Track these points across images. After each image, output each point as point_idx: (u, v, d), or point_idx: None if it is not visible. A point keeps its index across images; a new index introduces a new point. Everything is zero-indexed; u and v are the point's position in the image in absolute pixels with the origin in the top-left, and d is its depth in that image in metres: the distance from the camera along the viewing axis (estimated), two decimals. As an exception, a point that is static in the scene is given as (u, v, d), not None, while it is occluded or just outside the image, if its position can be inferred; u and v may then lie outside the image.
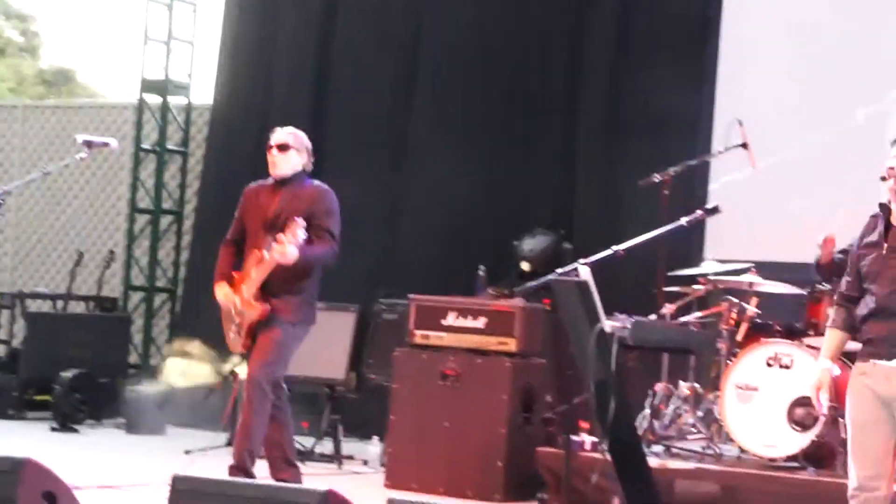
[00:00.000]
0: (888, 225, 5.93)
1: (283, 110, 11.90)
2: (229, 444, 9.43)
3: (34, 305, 13.17)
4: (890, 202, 5.93)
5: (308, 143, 8.03)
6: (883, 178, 5.98)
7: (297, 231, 7.43)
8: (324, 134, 11.46)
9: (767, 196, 10.23)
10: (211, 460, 9.19)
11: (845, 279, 6.14)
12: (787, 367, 8.29)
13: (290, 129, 8.07)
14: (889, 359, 5.84)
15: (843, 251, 8.34)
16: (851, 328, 6.10)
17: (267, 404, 7.77)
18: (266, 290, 7.74)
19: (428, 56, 12.12)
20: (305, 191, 7.87)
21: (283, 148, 7.92)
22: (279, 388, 7.86)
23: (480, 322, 8.99)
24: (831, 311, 6.34)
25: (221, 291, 7.93)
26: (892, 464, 5.90)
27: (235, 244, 8.04)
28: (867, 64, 10.51)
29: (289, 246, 7.44)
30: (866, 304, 5.94)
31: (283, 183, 7.89)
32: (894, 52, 10.32)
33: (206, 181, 13.02)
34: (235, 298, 7.84)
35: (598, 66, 11.53)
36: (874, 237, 5.96)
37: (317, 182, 7.97)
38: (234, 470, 7.72)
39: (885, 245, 5.89)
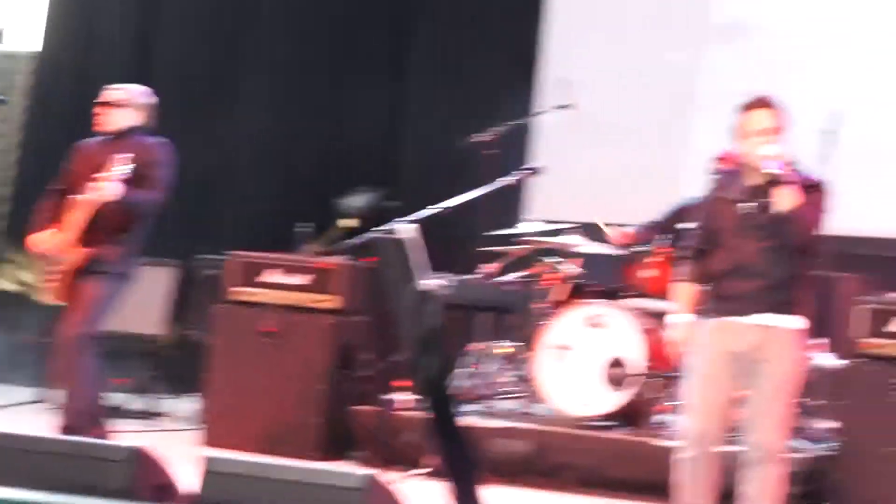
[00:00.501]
0: (747, 185, 6.05)
1: (107, 62, 11.75)
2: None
3: None
4: (748, 162, 6.05)
5: (144, 100, 8.00)
6: (738, 138, 6.07)
7: (116, 167, 7.38)
8: (149, 85, 11.30)
9: (592, 157, 10.37)
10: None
11: (697, 233, 6.23)
12: (602, 327, 8.38)
13: (124, 86, 8.05)
14: (746, 315, 6.00)
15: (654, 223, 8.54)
16: (702, 280, 6.21)
17: (90, 359, 7.71)
18: (89, 239, 7.65)
19: (257, 5, 12.03)
20: (139, 145, 7.81)
21: (108, 104, 7.90)
22: (95, 341, 7.75)
23: (301, 279, 8.90)
24: (681, 265, 6.43)
25: (39, 238, 7.80)
26: (728, 416, 6.08)
27: (60, 196, 7.90)
28: (680, 26, 10.72)
29: (107, 184, 7.40)
30: (722, 260, 6.08)
31: (117, 138, 7.84)
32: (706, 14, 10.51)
33: (29, 132, 12.64)
34: (55, 242, 7.71)
35: (427, 24, 11.59)
36: (731, 194, 6.09)
37: (154, 138, 7.93)
38: (67, 430, 7.58)
39: (745, 204, 6.02)
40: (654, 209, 8.92)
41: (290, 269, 8.94)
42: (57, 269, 7.72)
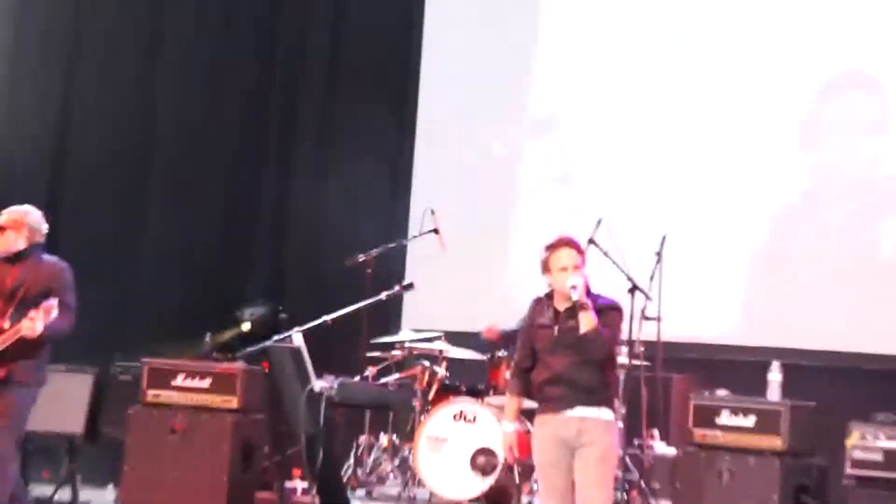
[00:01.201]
0: (556, 310, 6.43)
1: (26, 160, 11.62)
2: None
3: None
4: (554, 292, 6.45)
5: (32, 221, 7.60)
6: (546, 272, 6.44)
7: (52, 312, 7.20)
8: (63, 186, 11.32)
9: (456, 273, 10.53)
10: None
11: (518, 353, 6.61)
12: (471, 422, 8.49)
13: (11, 210, 7.68)
14: (564, 410, 6.34)
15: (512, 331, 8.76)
16: (526, 393, 6.60)
17: (13, 465, 7.54)
18: (4, 358, 7.40)
19: (153, 119, 12.04)
20: (43, 267, 7.54)
21: (2, 228, 7.56)
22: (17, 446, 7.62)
23: (206, 382, 8.89)
24: (509, 380, 6.84)
25: None
26: (572, 497, 6.32)
27: None
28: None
29: (38, 322, 7.18)
30: (542, 373, 6.44)
31: (17, 258, 7.55)
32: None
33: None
34: None
35: (306, 160, 11.79)
36: (545, 320, 6.46)
37: (54, 258, 7.65)
38: None
39: (556, 327, 6.39)
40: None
41: (198, 374, 8.91)
42: None
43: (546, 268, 6.46)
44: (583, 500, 6.31)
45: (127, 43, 12.16)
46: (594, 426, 6.34)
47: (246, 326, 10.74)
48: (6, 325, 7.37)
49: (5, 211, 7.63)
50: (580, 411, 6.34)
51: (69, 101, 12.10)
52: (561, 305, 6.44)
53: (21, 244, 7.53)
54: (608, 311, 6.43)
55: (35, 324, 7.20)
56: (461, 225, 10.22)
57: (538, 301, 6.56)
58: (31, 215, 7.63)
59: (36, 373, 7.58)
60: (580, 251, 6.48)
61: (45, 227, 7.65)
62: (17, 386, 7.47)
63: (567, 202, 10.59)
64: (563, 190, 10.80)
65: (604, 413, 6.39)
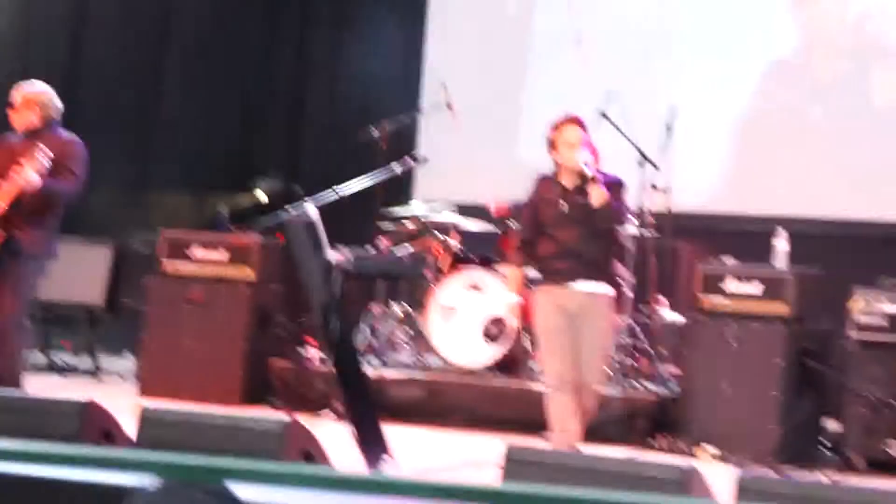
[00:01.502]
0: (563, 187, 6.52)
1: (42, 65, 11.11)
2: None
3: None
4: (560, 168, 6.54)
5: (45, 99, 7.58)
6: (552, 149, 6.50)
7: (38, 155, 7.13)
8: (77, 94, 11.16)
9: (467, 147, 10.40)
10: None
11: (524, 227, 6.76)
12: (480, 291, 8.47)
13: (23, 85, 7.65)
14: (570, 281, 6.47)
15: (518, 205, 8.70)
16: (529, 264, 6.74)
17: (26, 335, 7.59)
18: (10, 223, 7.34)
19: (177, 32, 11.80)
20: (54, 139, 7.48)
21: (11, 106, 7.57)
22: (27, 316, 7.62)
23: (222, 254, 8.91)
24: (514, 252, 6.94)
25: None
26: (572, 358, 6.46)
27: None
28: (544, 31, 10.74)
29: (29, 170, 7.11)
30: (549, 246, 6.54)
31: (33, 134, 7.50)
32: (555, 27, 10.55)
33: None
34: None
35: (321, 39, 11.56)
36: (552, 196, 6.53)
37: (67, 133, 7.61)
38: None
39: (565, 203, 6.48)
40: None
41: (213, 245, 8.93)
42: None
43: (553, 146, 6.52)
44: (585, 369, 6.48)
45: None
46: (596, 301, 6.50)
47: (261, 195, 10.71)
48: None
49: (19, 90, 7.62)
50: (584, 285, 6.48)
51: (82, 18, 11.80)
52: (568, 181, 6.51)
53: (35, 121, 7.52)
54: (615, 187, 6.53)
55: (26, 172, 7.13)
56: (473, 97, 10.04)
57: (543, 178, 6.64)
58: (44, 94, 7.63)
59: (45, 244, 7.51)
60: (584, 128, 6.54)
61: (58, 104, 7.62)
62: (26, 258, 7.42)
63: (578, 72, 10.37)
64: (575, 59, 10.55)
65: (606, 288, 6.54)
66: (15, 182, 7.20)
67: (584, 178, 6.41)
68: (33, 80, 7.74)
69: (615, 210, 6.45)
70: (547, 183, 6.59)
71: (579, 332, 6.48)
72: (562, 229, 6.49)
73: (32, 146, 7.34)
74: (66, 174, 7.39)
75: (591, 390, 6.56)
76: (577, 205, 6.42)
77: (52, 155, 7.19)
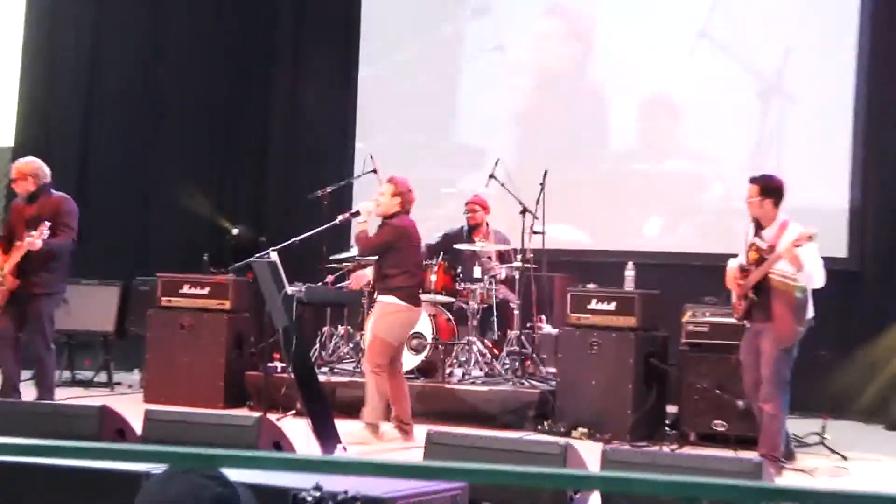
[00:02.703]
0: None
1: (61, 154, 10.84)
2: None
3: None
4: None
5: (35, 168, 7.56)
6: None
7: (43, 230, 7.22)
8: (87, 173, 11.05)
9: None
10: None
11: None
12: None
13: (18, 163, 7.69)
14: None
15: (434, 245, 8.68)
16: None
17: (55, 358, 7.66)
18: (27, 270, 7.39)
19: (170, 109, 11.53)
20: (51, 200, 7.54)
21: (12, 181, 7.63)
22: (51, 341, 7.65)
23: (205, 290, 8.84)
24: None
25: None
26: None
27: (4, 241, 7.62)
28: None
29: (36, 239, 7.20)
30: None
31: (33, 197, 7.54)
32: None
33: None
34: (2, 268, 7.47)
35: (279, 123, 11.49)
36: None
37: (60, 193, 7.65)
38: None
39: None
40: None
41: (199, 284, 8.86)
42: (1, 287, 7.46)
43: None
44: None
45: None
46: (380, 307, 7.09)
47: (235, 231, 10.70)
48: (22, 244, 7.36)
49: (14, 165, 7.71)
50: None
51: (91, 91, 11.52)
52: None
53: (31, 187, 7.55)
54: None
55: (34, 240, 7.21)
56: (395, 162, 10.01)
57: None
58: (33, 164, 7.65)
59: (54, 283, 7.54)
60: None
61: (47, 171, 7.63)
62: (40, 296, 7.45)
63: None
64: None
65: (388, 298, 7.02)
66: (22, 247, 7.28)
67: None
68: (25, 157, 7.83)
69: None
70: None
71: None
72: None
73: (34, 209, 7.43)
74: (63, 228, 7.42)
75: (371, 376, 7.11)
76: None
77: (49, 225, 7.23)
